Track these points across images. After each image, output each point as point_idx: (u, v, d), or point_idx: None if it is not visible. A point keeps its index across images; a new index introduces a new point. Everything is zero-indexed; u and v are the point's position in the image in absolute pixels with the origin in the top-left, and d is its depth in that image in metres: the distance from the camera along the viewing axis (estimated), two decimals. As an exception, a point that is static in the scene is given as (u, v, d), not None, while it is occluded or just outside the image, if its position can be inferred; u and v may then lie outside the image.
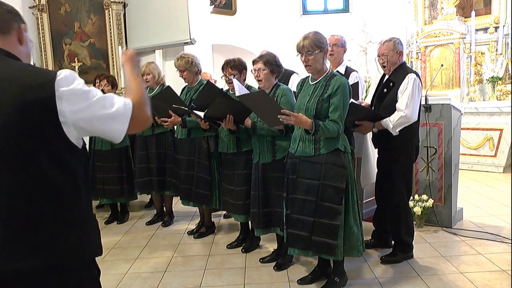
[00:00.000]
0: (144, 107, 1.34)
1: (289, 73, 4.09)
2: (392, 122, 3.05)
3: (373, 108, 3.34)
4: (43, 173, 1.19)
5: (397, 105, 3.07)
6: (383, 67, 3.27)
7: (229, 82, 3.54)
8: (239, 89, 3.23)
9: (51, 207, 1.22)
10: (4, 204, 1.18)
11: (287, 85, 3.69)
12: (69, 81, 1.22)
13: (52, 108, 1.18)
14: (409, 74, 3.10)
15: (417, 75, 3.16)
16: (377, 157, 3.44)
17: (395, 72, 3.20)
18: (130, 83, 1.42)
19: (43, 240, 1.20)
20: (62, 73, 1.23)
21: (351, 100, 2.94)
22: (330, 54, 3.62)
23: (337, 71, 3.49)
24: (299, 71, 3.96)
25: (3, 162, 1.17)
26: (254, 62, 3.19)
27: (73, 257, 1.26)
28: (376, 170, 3.51)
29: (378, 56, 3.27)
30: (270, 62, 3.12)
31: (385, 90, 3.20)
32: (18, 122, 1.16)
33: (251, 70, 3.23)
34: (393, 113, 3.08)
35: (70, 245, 1.25)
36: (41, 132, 1.19)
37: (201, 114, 3.32)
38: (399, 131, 3.09)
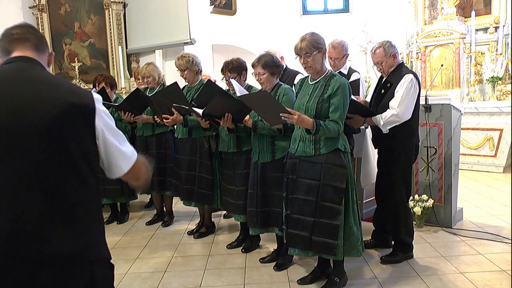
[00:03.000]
0: (145, 165, 1.50)
1: (294, 73, 4.06)
2: (383, 119, 3.05)
3: (371, 109, 3.34)
4: (79, 172, 1.32)
5: (390, 103, 3.07)
6: (381, 72, 3.28)
7: (230, 84, 3.54)
8: (239, 89, 3.22)
9: (83, 199, 1.33)
10: (44, 192, 1.27)
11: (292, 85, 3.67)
12: (100, 101, 1.38)
13: (92, 119, 1.34)
14: (406, 75, 3.10)
15: (415, 75, 3.15)
16: (377, 157, 3.44)
17: (393, 73, 3.20)
18: None
19: (77, 229, 1.32)
20: (95, 94, 1.39)
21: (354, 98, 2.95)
22: (333, 66, 3.61)
23: (340, 71, 3.50)
24: (303, 71, 3.93)
25: (45, 160, 1.26)
26: (253, 66, 3.16)
27: (97, 250, 1.39)
28: (376, 170, 3.51)
29: (374, 64, 3.28)
30: (268, 65, 3.06)
31: (382, 91, 3.20)
32: (62, 122, 1.28)
33: (252, 74, 3.21)
34: None
35: (96, 237, 1.39)
36: (83, 138, 1.33)
37: (200, 111, 3.31)
38: (394, 130, 3.08)
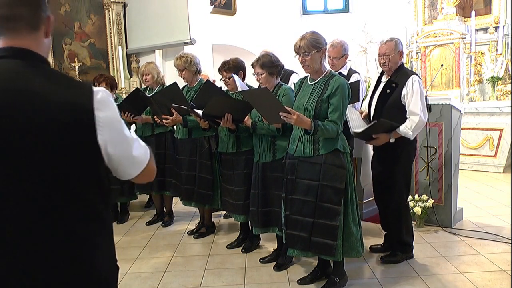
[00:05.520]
0: (154, 162, 1.31)
1: (289, 73, 4.09)
2: (411, 129, 3.05)
3: (374, 109, 3.33)
4: (84, 196, 1.16)
5: (411, 109, 3.06)
6: (383, 66, 3.27)
7: (227, 84, 3.54)
8: (240, 85, 3.23)
9: (93, 231, 1.20)
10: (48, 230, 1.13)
11: (287, 84, 3.68)
12: (105, 104, 1.15)
13: (91, 131, 1.12)
14: (412, 76, 3.11)
15: (418, 76, 3.18)
16: (372, 157, 3.42)
17: (396, 73, 3.20)
18: None
19: (103, 251, 1.24)
20: (99, 94, 1.15)
21: (382, 119, 2.97)
22: (332, 65, 3.62)
23: (339, 72, 3.50)
24: (299, 71, 3.95)
25: (46, 185, 1.10)
26: (252, 66, 3.18)
27: (112, 270, 1.29)
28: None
29: (379, 55, 3.25)
30: (266, 65, 3.09)
31: (388, 91, 3.19)
32: (54, 143, 1.09)
33: (252, 74, 3.22)
34: (396, 114, 3.08)
35: (110, 261, 1.29)
36: (80, 154, 1.13)
37: (200, 112, 3.32)
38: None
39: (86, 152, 1.14)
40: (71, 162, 1.12)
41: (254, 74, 3.18)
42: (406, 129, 3.06)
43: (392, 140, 3.13)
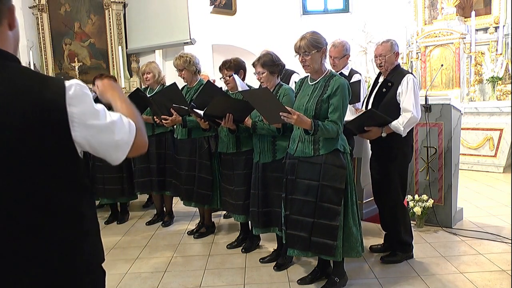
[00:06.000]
0: (143, 132, 1.26)
1: (290, 73, 4.09)
2: (402, 125, 3.07)
3: (369, 107, 3.35)
4: (59, 197, 1.12)
5: (404, 106, 3.09)
6: (380, 67, 3.29)
7: (227, 83, 3.55)
8: (240, 85, 3.24)
9: (67, 226, 1.15)
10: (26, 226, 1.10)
11: (288, 84, 3.69)
12: (79, 99, 1.10)
13: (65, 130, 1.08)
14: (407, 75, 3.15)
15: (413, 75, 3.21)
16: (371, 157, 3.42)
17: (392, 73, 3.23)
18: (123, 109, 1.29)
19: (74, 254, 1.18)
20: (72, 89, 1.10)
21: (373, 109, 2.96)
22: (333, 65, 3.64)
23: (341, 72, 3.50)
24: (299, 71, 3.95)
25: (18, 192, 1.06)
26: (253, 66, 3.19)
27: (89, 265, 1.23)
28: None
29: (375, 57, 3.29)
30: (267, 64, 3.09)
31: (384, 90, 3.22)
32: (26, 144, 1.04)
33: (254, 73, 3.23)
34: (392, 112, 3.10)
35: (98, 258, 1.25)
36: (54, 155, 1.09)
37: (201, 113, 3.32)
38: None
39: (61, 151, 1.10)
40: (46, 163, 1.08)
41: (255, 74, 3.18)
42: (398, 124, 3.08)
43: (384, 135, 3.15)
